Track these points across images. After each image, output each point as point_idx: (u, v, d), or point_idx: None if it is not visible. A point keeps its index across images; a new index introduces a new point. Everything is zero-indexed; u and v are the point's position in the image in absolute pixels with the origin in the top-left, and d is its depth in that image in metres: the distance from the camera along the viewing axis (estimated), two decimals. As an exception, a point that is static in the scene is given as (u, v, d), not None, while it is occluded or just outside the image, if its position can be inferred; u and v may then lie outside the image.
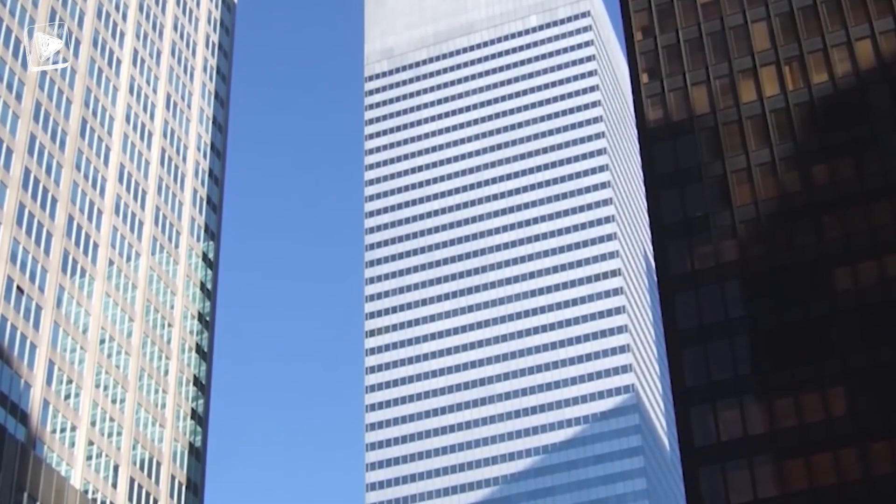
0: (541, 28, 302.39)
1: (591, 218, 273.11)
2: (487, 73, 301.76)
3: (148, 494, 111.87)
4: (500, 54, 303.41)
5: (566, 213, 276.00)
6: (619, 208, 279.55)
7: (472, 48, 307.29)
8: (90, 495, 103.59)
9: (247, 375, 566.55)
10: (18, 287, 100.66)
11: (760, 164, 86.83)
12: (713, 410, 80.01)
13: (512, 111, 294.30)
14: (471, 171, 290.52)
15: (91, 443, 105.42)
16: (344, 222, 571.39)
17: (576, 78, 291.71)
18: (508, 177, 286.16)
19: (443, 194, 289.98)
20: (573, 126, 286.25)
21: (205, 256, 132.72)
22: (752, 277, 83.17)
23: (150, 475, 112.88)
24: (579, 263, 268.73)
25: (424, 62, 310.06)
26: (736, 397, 79.73)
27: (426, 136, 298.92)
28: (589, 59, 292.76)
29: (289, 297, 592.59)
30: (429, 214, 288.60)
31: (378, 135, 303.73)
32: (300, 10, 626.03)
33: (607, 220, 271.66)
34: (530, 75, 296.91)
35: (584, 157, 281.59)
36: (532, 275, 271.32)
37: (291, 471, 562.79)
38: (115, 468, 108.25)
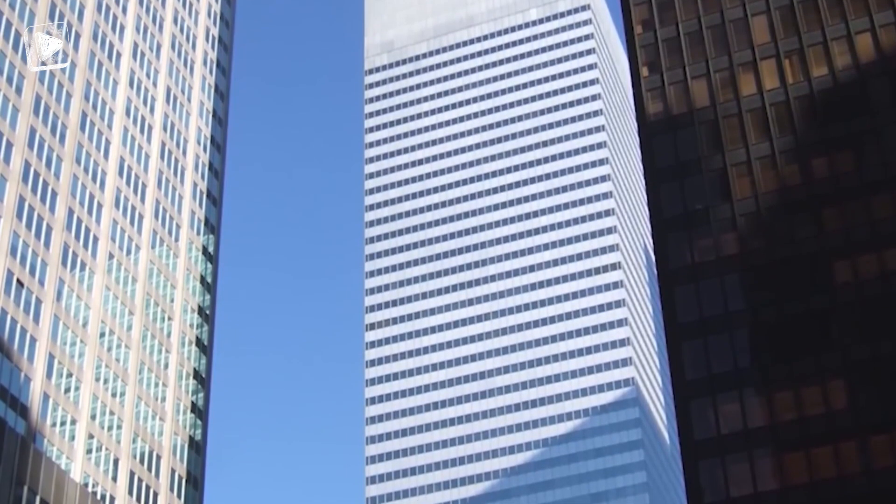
0: (541, 21, 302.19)
1: (591, 211, 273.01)
2: (487, 66, 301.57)
3: (148, 488, 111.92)
4: (500, 48, 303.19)
5: (566, 206, 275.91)
6: (619, 202, 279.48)
7: (471, 41, 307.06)
8: (90, 489, 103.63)
9: (247, 369, 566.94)
10: (18, 280, 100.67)
11: (760, 157, 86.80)
12: (713, 404, 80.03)
13: (512, 104, 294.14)
14: (471, 164, 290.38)
15: (91, 436, 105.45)
16: (344, 216, 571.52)
17: (576, 71, 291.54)
18: (508, 170, 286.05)
19: (443, 188, 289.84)
20: (573, 119, 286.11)
21: (205, 250, 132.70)
22: (752, 270, 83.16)
23: (150, 469, 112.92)
24: (579, 256, 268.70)
25: (424, 55, 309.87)
26: (736, 390, 79.75)
27: (426, 129, 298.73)
28: (589, 52, 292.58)
29: (289, 291, 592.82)
30: (429, 208, 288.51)
31: (378, 128, 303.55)
32: (300, 4, 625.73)
33: (607, 213, 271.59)
34: (530, 69, 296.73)
35: (584, 150, 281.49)
36: (532, 268, 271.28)
37: (291, 464, 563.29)
38: (115, 462, 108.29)
